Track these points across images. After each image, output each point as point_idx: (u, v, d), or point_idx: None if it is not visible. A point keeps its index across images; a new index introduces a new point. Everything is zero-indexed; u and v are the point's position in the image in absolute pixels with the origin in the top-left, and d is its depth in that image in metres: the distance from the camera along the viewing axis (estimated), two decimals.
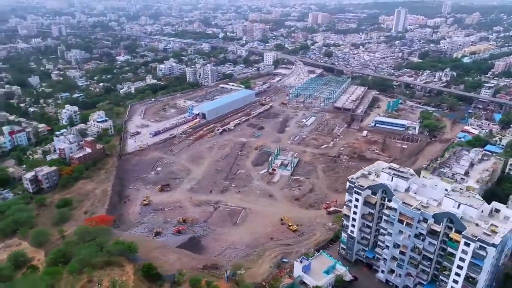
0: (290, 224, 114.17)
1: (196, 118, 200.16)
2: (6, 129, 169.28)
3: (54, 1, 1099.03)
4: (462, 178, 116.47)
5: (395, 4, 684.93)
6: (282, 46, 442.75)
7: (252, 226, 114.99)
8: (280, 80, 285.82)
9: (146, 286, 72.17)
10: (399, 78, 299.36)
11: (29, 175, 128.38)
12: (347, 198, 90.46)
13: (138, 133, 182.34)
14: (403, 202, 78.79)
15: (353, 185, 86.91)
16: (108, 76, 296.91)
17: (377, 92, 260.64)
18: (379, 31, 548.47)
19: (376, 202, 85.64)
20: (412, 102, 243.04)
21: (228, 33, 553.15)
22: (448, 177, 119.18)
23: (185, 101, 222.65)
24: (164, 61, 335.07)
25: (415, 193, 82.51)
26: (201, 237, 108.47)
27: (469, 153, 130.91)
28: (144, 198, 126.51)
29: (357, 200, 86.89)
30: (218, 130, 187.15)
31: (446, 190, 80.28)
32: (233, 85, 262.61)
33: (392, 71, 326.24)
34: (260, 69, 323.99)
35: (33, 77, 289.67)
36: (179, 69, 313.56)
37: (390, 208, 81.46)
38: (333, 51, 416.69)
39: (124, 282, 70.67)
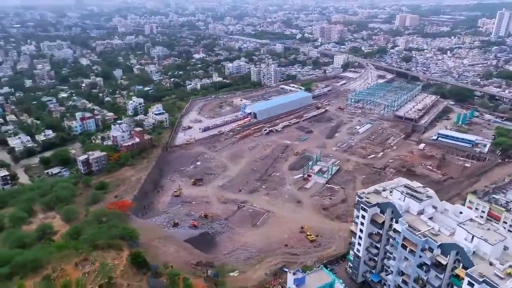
0: (309, 233, 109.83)
1: (248, 117, 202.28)
2: (78, 115, 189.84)
3: (153, 2, 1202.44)
4: None
5: (501, 6, 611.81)
6: (357, 48, 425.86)
7: (270, 230, 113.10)
8: (344, 83, 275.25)
9: (133, 272, 75.58)
10: (484, 88, 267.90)
11: (82, 157, 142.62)
12: (355, 214, 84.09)
13: (189, 127, 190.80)
14: (409, 226, 70.79)
15: (360, 200, 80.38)
16: (179, 72, 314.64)
17: (452, 102, 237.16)
18: (475, 35, 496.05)
19: (384, 222, 78.12)
20: (492, 116, 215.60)
21: (306, 34, 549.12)
22: (500, 204, 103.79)
23: (241, 100, 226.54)
24: (234, 60, 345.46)
25: (430, 218, 73.55)
26: (216, 234, 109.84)
27: None
28: (175, 190, 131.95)
29: (363, 217, 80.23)
30: (265, 130, 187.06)
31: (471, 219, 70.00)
32: (293, 86, 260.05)
33: (479, 80, 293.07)
34: (327, 71, 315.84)
35: (117, 70, 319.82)
36: (247, 68, 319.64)
37: (395, 230, 73.74)
38: (414, 55, 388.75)
39: (115, 265, 74.98)
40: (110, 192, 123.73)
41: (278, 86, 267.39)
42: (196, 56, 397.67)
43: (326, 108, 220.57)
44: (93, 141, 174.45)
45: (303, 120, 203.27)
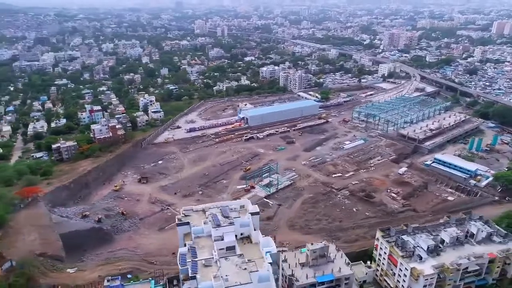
0: None
1: (240, 122, 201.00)
2: (88, 107, 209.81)
3: (245, 6, 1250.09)
4: (420, 258, 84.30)
5: None
6: (421, 58, 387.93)
7: (172, 236, 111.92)
8: (371, 95, 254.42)
9: None
10: None
11: (55, 145, 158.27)
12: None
13: (178, 127, 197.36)
14: (190, 248, 65.35)
15: (177, 217, 76.31)
16: (215, 74, 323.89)
17: (492, 125, 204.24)
18: None
19: None
20: None
21: (375, 41, 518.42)
22: (406, 248, 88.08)
23: (245, 104, 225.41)
24: (279, 64, 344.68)
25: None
26: (118, 231, 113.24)
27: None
28: (116, 185, 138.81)
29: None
30: (246, 136, 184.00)
31: None
32: (310, 94, 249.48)
33: None
34: (363, 80, 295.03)
35: (163, 69, 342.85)
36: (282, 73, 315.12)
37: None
38: (485, 67, 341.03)
39: None
40: (50, 178, 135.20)
41: (297, 93, 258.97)
42: (246, 59, 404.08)
43: (328, 119, 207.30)
44: (90, 132, 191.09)
45: (294, 130, 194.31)
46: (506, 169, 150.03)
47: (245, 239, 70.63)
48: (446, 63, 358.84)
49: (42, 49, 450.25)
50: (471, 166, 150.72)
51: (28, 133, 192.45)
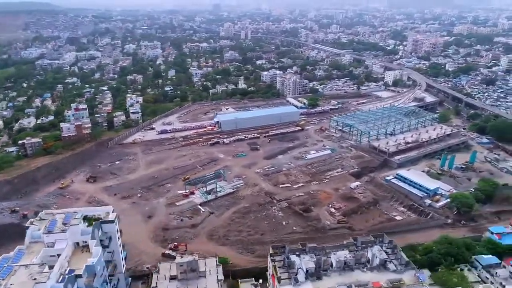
0: None
1: (213, 126, 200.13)
2: (73, 105, 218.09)
3: (281, 9, 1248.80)
4: (296, 281, 79.18)
5: None
6: (439, 66, 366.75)
7: None
8: (363, 103, 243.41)
9: None
10: None
11: (21, 141, 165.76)
12: None
13: (152, 128, 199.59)
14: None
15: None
16: (218, 77, 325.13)
17: (486, 140, 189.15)
18: None
19: None
20: None
21: (399, 46, 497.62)
22: (290, 271, 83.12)
23: (227, 108, 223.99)
24: (288, 69, 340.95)
25: None
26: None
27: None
28: (62, 182, 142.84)
29: None
30: (212, 141, 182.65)
31: None
32: (298, 100, 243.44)
33: None
34: (363, 88, 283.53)
35: (170, 70, 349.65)
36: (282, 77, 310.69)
37: None
38: (507, 78, 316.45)
39: None
40: (3, 173, 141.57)
41: (286, 98, 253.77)
42: (258, 62, 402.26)
43: (305, 127, 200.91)
44: None
45: (265, 136, 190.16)
46: (473, 190, 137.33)
47: (85, 247, 69.41)
48: (465, 72, 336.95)
49: (69, 48, 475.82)
50: (431, 184, 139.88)
51: (14, 128, 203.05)
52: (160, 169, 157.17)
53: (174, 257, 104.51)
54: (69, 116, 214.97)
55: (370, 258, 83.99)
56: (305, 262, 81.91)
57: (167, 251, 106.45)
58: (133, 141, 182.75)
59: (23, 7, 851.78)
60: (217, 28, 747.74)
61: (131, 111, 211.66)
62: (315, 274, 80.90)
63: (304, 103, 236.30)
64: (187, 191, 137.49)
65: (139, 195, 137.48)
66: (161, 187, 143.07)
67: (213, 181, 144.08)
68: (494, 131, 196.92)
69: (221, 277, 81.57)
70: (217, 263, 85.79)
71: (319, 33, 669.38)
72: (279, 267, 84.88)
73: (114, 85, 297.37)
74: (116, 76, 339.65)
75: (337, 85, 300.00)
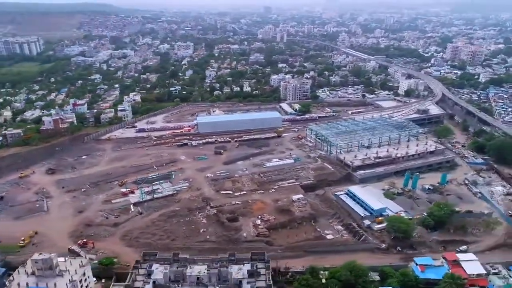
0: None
1: (189, 128, 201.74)
2: (71, 100, 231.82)
3: (332, 11, 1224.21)
4: None
5: None
6: (471, 76, 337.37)
7: (24, 226, 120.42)
8: (360, 112, 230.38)
9: None
10: None
11: (3, 132, 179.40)
12: None
13: (133, 126, 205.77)
14: None
15: None
16: (229, 79, 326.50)
17: (479, 160, 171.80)
18: None
19: None
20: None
21: (440, 54, 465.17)
22: None
23: (214, 111, 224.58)
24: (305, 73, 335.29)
25: None
26: None
27: None
28: (22, 172, 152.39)
29: None
30: (180, 142, 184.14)
31: None
32: (291, 106, 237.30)
33: None
34: (370, 96, 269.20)
35: (188, 71, 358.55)
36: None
37: None
38: None
39: None
40: None
41: (280, 104, 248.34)
42: (280, 65, 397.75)
43: (282, 135, 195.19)
44: None
45: (236, 141, 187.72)
46: (425, 215, 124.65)
47: None
48: (497, 84, 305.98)
49: (108, 47, 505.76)
50: (378, 204, 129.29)
51: (17, 119, 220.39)
52: (118, 166, 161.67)
53: (79, 254, 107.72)
54: (67, 110, 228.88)
55: (226, 277, 79.76)
56: (156, 272, 79.91)
57: (73, 247, 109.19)
58: (108, 137, 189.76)
59: (85, 7, 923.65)
60: (258, 30, 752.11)
61: (119, 108, 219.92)
62: (164, 287, 78.65)
63: (295, 109, 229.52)
64: (127, 189, 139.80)
65: (83, 189, 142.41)
66: (108, 184, 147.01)
67: (158, 182, 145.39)
68: (493, 150, 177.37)
69: (77, 277, 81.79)
70: (82, 264, 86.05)
71: (361, 37, 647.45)
72: (140, 274, 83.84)
73: (128, 83, 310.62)
74: (135, 74, 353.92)
75: (346, 92, 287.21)
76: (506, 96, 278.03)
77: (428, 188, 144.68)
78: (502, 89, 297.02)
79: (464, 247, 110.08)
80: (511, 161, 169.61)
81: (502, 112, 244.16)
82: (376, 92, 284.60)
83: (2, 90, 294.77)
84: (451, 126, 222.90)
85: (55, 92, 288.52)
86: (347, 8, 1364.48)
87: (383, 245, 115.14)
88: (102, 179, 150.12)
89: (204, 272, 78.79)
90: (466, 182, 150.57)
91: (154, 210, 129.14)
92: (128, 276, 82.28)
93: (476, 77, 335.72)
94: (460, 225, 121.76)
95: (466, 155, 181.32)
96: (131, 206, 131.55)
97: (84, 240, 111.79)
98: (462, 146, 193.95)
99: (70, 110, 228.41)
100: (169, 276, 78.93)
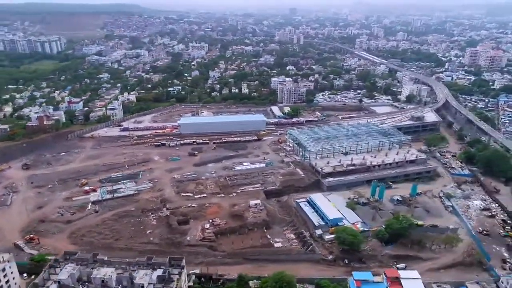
0: None
1: (171, 128, 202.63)
2: (67, 98, 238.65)
3: (357, 14, 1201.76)
4: None
5: None
6: (484, 82, 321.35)
7: None
8: (352, 117, 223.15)
9: None
10: None
11: None
12: None
13: (119, 125, 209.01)
14: None
15: None
16: (230, 80, 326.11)
17: (464, 172, 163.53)
18: None
19: None
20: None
21: (458, 58, 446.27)
22: None
23: (202, 112, 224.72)
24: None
25: None
26: None
27: None
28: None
29: None
30: (157, 143, 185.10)
31: None
32: (280, 109, 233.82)
33: None
34: (367, 101, 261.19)
35: (194, 72, 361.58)
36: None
37: None
38: None
39: None
40: None
41: (270, 106, 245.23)
42: (288, 68, 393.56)
43: (263, 138, 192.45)
44: None
45: (214, 143, 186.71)
46: (383, 227, 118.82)
47: None
48: (510, 92, 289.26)
49: (125, 47, 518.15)
50: (334, 214, 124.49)
51: (14, 115, 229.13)
52: (90, 164, 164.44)
53: (22, 249, 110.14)
54: (62, 108, 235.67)
55: (130, 281, 78.69)
56: (63, 272, 79.91)
57: (18, 242, 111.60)
58: (91, 135, 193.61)
59: (113, 8, 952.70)
60: (271, 34, 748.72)
61: (109, 107, 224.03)
62: (69, 287, 78.50)
63: (284, 113, 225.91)
64: (89, 187, 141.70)
65: (50, 186, 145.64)
66: (76, 182, 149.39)
67: (123, 181, 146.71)
68: (482, 162, 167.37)
69: None
70: (3, 259, 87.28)
71: (382, 40, 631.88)
72: (53, 273, 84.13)
73: (132, 82, 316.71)
74: (143, 74, 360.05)
75: (346, 96, 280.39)
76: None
77: (397, 200, 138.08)
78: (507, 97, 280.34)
79: (401, 265, 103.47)
80: (499, 173, 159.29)
81: (507, 121, 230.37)
82: (376, 97, 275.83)
83: (13, 86, 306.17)
84: (447, 135, 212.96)
85: (61, 89, 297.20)
86: (376, 10, 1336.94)
87: (330, 257, 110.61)
88: (71, 177, 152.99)
89: (109, 275, 77.95)
90: (441, 194, 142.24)
91: (109, 209, 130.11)
92: (41, 274, 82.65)
93: (490, 83, 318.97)
94: (418, 240, 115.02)
95: (453, 166, 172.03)
96: (89, 204, 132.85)
97: (31, 235, 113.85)
98: (453, 156, 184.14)
99: (66, 107, 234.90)
100: (75, 277, 78.72)
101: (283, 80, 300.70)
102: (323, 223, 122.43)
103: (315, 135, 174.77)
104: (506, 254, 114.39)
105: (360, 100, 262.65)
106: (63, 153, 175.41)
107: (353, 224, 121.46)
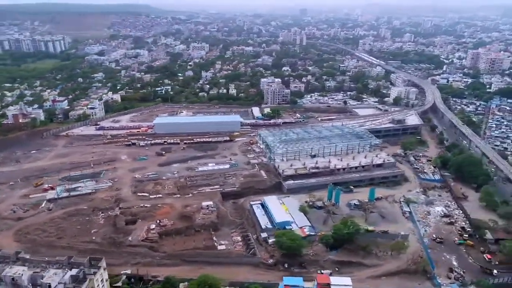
0: None
1: (147, 128, 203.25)
2: (51, 97, 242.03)
3: (368, 15, 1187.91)
4: None
5: None
6: (481, 84, 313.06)
7: None
8: (331, 119, 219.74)
9: None
10: None
11: None
12: None
13: (96, 124, 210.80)
14: None
15: None
16: (222, 80, 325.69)
17: (434, 177, 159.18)
18: None
19: None
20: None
21: (461, 60, 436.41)
22: None
23: (181, 111, 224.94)
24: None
25: None
26: None
27: None
28: None
29: None
30: (128, 142, 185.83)
31: None
32: (260, 111, 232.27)
33: None
34: (351, 104, 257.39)
35: (188, 71, 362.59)
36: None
37: None
38: None
39: None
40: None
41: (251, 107, 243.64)
42: (284, 68, 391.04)
43: (235, 139, 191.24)
44: None
45: (184, 143, 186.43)
46: (331, 233, 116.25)
47: None
48: (507, 95, 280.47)
49: (127, 47, 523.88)
50: (283, 217, 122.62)
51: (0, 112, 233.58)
52: (57, 162, 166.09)
53: None
54: (46, 106, 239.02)
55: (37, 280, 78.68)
56: None
57: None
58: (66, 134, 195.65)
59: (123, 8, 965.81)
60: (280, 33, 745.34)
61: (89, 106, 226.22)
62: None
63: (264, 114, 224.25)
64: (48, 185, 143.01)
65: (12, 183, 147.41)
66: (37, 179, 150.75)
67: (84, 180, 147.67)
68: (454, 167, 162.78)
69: None
70: None
71: (387, 41, 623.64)
72: None
73: (124, 82, 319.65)
74: (138, 73, 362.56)
75: (333, 98, 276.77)
76: (509, 108, 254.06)
77: (355, 204, 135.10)
78: (510, 100, 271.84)
79: (327, 271, 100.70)
80: (471, 179, 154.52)
81: (494, 126, 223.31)
82: (364, 99, 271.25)
83: (9, 85, 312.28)
84: (429, 139, 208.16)
85: (52, 88, 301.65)
86: (389, 11, 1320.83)
87: (270, 261, 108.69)
88: (35, 174, 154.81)
89: (20, 274, 78.10)
90: (401, 200, 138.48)
91: (61, 208, 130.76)
92: None
93: (487, 86, 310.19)
94: (364, 245, 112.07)
95: (425, 171, 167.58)
96: (44, 202, 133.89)
97: None
98: (428, 160, 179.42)
99: (49, 106, 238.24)
100: None
101: (272, 81, 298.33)
102: (271, 226, 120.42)
103: (284, 137, 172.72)
104: (455, 263, 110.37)
105: (345, 102, 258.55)
106: (34, 151, 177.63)
107: (300, 228, 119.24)
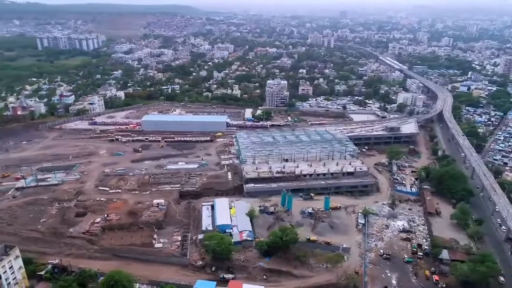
0: None
1: (135, 125, 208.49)
2: (58, 92, 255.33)
3: (409, 18, 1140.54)
4: None
5: None
6: (505, 94, 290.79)
7: None
8: (322, 124, 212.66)
9: None
10: None
11: None
12: None
13: (92, 119, 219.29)
14: None
15: None
16: (231, 81, 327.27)
17: (413, 190, 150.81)
18: None
19: None
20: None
21: (493, 67, 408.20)
22: None
23: (174, 110, 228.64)
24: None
25: None
26: None
27: None
28: None
29: None
30: (111, 138, 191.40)
31: None
32: (251, 112, 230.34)
33: None
34: (351, 109, 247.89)
35: (202, 71, 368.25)
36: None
37: None
38: None
39: None
40: None
41: (244, 108, 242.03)
42: (301, 71, 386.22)
43: (216, 140, 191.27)
44: None
45: (166, 141, 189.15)
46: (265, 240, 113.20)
47: None
48: None
49: (156, 46, 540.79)
50: (224, 220, 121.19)
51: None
52: (40, 153, 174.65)
53: None
54: (55, 100, 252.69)
55: None
56: None
57: None
58: (59, 127, 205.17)
59: (164, 9, 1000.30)
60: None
61: (88, 102, 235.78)
62: None
63: (254, 116, 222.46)
64: (21, 174, 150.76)
65: None
66: (17, 169, 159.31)
67: (56, 171, 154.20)
68: (436, 180, 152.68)
69: None
70: None
71: (423, 45, 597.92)
72: None
73: (136, 79, 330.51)
74: (156, 72, 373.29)
75: (335, 103, 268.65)
76: None
77: (308, 212, 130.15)
78: None
79: (229, 276, 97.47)
80: (450, 194, 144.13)
81: (501, 138, 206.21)
82: (368, 104, 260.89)
83: (33, 79, 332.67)
84: (424, 149, 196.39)
85: (69, 84, 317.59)
86: (436, 13, 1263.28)
87: (200, 263, 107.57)
88: (16, 163, 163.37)
89: None
90: (359, 211, 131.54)
91: (24, 196, 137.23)
92: None
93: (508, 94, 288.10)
94: (300, 255, 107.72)
95: (404, 182, 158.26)
96: (12, 190, 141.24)
97: None
98: (413, 171, 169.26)
99: (57, 99, 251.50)
100: None
101: (277, 83, 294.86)
102: (211, 229, 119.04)
103: (257, 140, 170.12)
104: (394, 282, 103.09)
105: (344, 107, 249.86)
106: (24, 142, 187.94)
107: (240, 232, 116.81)
